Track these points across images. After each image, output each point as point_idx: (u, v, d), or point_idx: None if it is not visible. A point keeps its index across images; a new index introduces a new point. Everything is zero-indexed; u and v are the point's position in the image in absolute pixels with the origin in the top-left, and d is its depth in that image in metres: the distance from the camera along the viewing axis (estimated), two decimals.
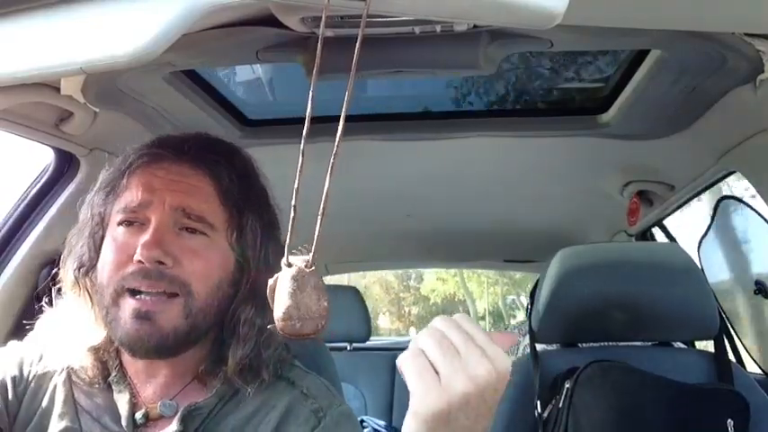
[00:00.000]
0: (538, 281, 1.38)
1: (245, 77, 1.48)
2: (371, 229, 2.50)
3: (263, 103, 1.57)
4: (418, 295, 20.66)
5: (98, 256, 0.84)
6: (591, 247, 1.40)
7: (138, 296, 0.79)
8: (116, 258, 0.81)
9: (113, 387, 0.85)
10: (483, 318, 18.44)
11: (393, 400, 2.51)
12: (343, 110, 0.49)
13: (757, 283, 1.62)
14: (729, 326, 1.74)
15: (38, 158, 1.41)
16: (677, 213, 1.97)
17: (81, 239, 0.86)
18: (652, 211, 1.89)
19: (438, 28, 0.94)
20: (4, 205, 1.42)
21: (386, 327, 20.23)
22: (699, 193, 1.73)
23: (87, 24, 0.55)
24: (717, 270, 1.85)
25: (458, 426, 0.57)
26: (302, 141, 0.51)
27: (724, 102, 1.18)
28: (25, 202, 1.39)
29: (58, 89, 1.10)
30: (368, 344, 2.81)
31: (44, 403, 0.84)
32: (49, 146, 1.31)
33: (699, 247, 1.84)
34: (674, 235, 2.10)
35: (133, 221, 0.82)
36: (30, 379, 0.86)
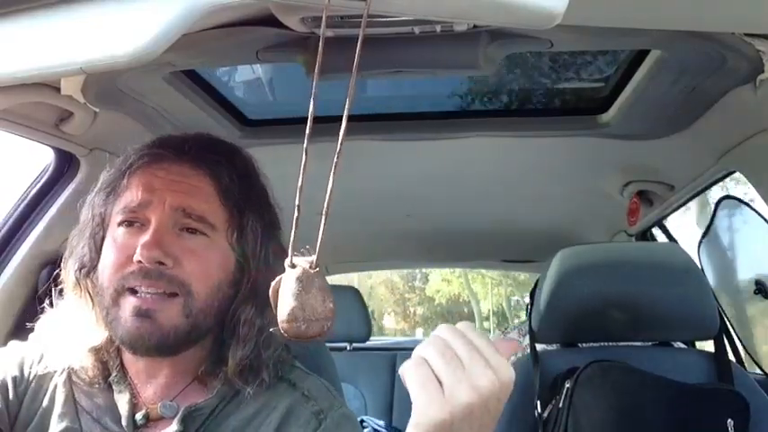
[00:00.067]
0: (538, 281, 1.38)
1: (245, 77, 1.48)
2: (371, 229, 2.50)
3: (263, 103, 1.57)
4: (423, 296, 20.73)
5: (99, 257, 0.84)
6: (591, 247, 1.39)
7: (138, 295, 0.79)
8: (116, 259, 0.81)
9: (114, 387, 0.85)
10: (487, 318, 18.49)
11: (393, 400, 2.51)
12: (346, 109, 0.49)
13: (757, 283, 1.62)
14: (729, 326, 1.74)
15: (38, 158, 1.41)
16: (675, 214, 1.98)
17: (82, 240, 0.86)
18: (652, 211, 1.89)
19: (438, 28, 0.94)
20: (4, 205, 1.42)
21: (391, 327, 20.29)
22: (699, 193, 1.73)
23: (87, 24, 0.55)
24: (717, 270, 1.85)
25: None
26: (305, 140, 0.50)
27: (724, 102, 1.18)
28: (25, 202, 1.39)
29: (58, 89, 1.10)
30: (368, 344, 2.82)
31: (45, 403, 0.84)
32: (49, 146, 1.31)
33: (699, 247, 1.84)
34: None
35: (133, 222, 0.82)
36: (30, 379, 0.86)
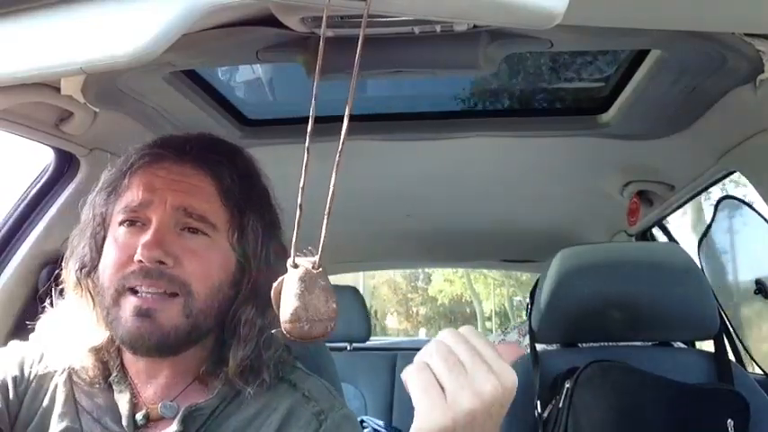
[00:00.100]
0: (538, 281, 1.38)
1: (245, 77, 1.48)
2: (371, 229, 2.50)
3: (263, 103, 1.57)
4: (426, 296, 20.79)
5: (100, 257, 0.84)
6: (591, 248, 1.39)
7: (138, 294, 0.79)
8: (117, 258, 0.81)
9: (114, 387, 0.85)
10: (489, 318, 18.55)
11: (393, 400, 2.51)
12: (347, 109, 0.49)
13: (757, 283, 1.62)
14: (729, 326, 1.74)
15: (38, 158, 1.41)
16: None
17: (83, 240, 0.86)
18: (652, 211, 1.89)
19: (438, 28, 0.94)
20: (4, 205, 1.42)
21: (394, 327, 20.34)
22: (699, 193, 1.73)
23: (87, 24, 0.55)
24: (717, 270, 1.85)
25: None
26: (307, 139, 0.50)
27: (724, 102, 1.18)
28: (25, 202, 1.39)
29: (58, 89, 1.10)
30: (368, 344, 2.81)
31: (45, 403, 0.84)
32: (49, 146, 1.31)
33: (699, 247, 1.84)
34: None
35: (134, 221, 0.82)
36: (31, 379, 0.86)
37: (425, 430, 0.56)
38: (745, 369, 1.55)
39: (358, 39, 0.49)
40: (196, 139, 0.90)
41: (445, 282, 19.62)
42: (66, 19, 0.56)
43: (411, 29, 0.93)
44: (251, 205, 0.87)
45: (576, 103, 1.53)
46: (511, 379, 0.57)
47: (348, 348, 2.65)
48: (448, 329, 0.60)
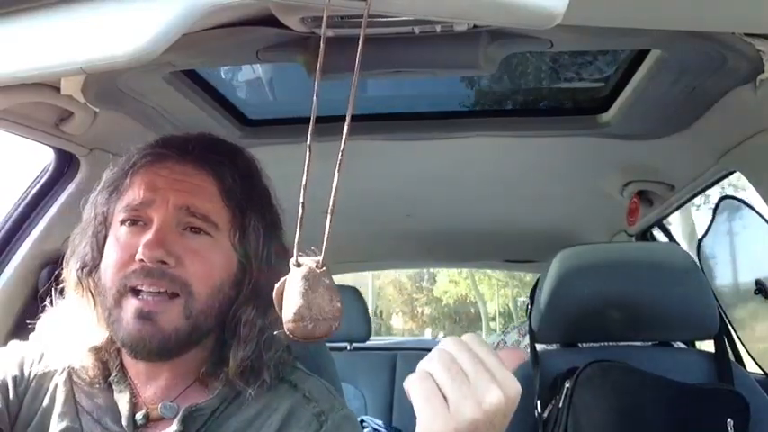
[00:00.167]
0: (538, 281, 1.38)
1: (245, 77, 1.48)
2: (371, 229, 2.50)
3: (263, 103, 1.57)
4: (431, 296, 20.87)
5: (101, 256, 0.84)
6: (591, 248, 1.39)
7: (140, 296, 0.79)
8: (119, 258, 0.81)
9: (114, 387, 0.85)
10: (493, 319, 18.61)
11: (393, 400, 2.51)
12: (349, 109, 0.49)
13: (757, 283, 1.62)
14: (729, 326, 1.74)
15: (38, 158, 1.41)
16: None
17: (84, 239, 0.86)
18: (652, 211, 1.89)
19: (438, 28, 0.94)
20: (4, 205, 1.42)
21: (399, 327, 20.39)
22: (699, 193, 1.73)
23: (87, 24, 0.55)
24: (717, 270, 1.85)
25: None
26: (308, 138, 0.50)
27: (724, 102, 1.18)
28: (25, 202, 1.39)
29: (58, 89, 1.10)
30: (368, 344, 2.81)
31: (45, 403, 0.84)
32: (49, 146, 1.31)
33: (699, 247, 1.84)
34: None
35: (136, 220, 0.82)
36: (30, 378, 0.85)
37: None
38: (745, 369, 1.55)
39: (358, 39, 0.49)
40: (198, 139, 0.90)
41: (450, 282, 19.70)
42: (66, 19, 0.56)
43: (411, 29, 0.93)
44: (252, 205, 0.87)
45: (575, 103, 1.53)
46: (514, 388, 0.57)
47: (348, 348, 2.65)
48: (450, 337, 0.60)
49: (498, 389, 0.55)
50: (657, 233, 2.13)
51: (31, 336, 0.90)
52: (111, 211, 0.85)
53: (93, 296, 0.84)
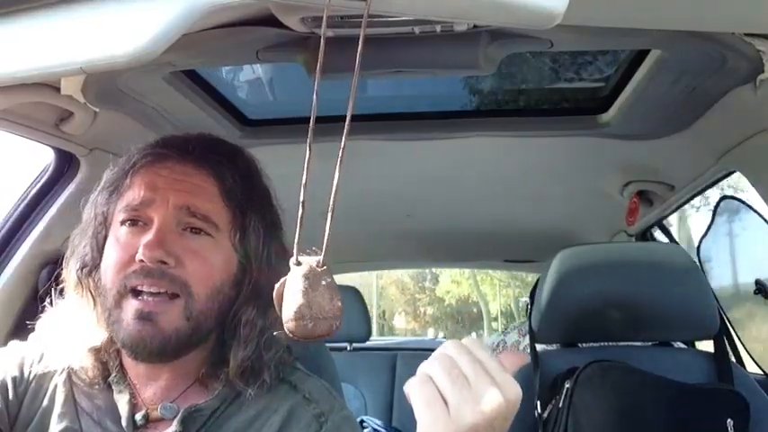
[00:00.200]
0: (538, 281, 1.38)
1: (245, 77, 1.48)
2: (371, 229, 2.50)
3: (263, 103, 1.57)
4: (433, 296, 20.92)
5: (101, 256, 0.84)
6: (591, 248, 1.39)
7: (140, 297, 0.79)
8: (119, 258, 0.81)
9: (113, 387, 0.85)
10: (495, 319, 18.63)
11: (393, 400, 2.51)
12: (349, 109, 0.49)
13: (757, 283, 1.62)
14: (729, 326, 1.74)
15: (38, 158, 1.41)
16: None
17: (84, 239, 0.86)
18: (652, 211, 1.89)
19: (438, 28, 0.94)
20: (4, 205, 1.42)
21: (402, 327, 20.42)
22: (699, 193, 1.73)
23: (87, 24, 0.55)
24: (717, 270, 1.85)
25: None
26: (309, 137, 0.50)
27: (724, 102, 1.18)
28: (25, 202, 1.39)
29: (58, 89, 1.10)
30: (368, 344, 2.82)
31: (44, 403, 0.84)
32: (49, 146, 1.31)
33: (699, 247, 1.84)
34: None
35: (136, 220, 0.82)
36: (30, 379, 0.85)
37: None
38: (745, 369, 1.55)
39: (358, 39, 0.49)
40: (198, 139, 0.90)
41: (452, 283, 19.75)
42: (66, 19, 0.56)
43: (411, 29, 0.93)
44: (252, 206, 0.87)
45: (575, 103, 1.53)
46: (514, 392, 0.57)
47: (348, 348, 2.65)
48: (451, 341, 0.60)
49: (499, 392, 0.56)
50: (657, 233, 2.13)
51: (31, 336, 0.90)
52: (111, 211, 0.85)
53: (92, 296, 0.84)
